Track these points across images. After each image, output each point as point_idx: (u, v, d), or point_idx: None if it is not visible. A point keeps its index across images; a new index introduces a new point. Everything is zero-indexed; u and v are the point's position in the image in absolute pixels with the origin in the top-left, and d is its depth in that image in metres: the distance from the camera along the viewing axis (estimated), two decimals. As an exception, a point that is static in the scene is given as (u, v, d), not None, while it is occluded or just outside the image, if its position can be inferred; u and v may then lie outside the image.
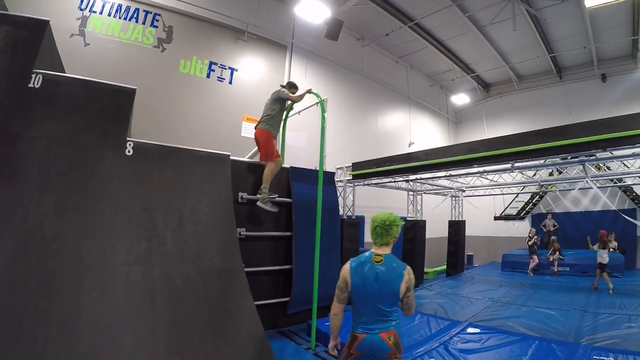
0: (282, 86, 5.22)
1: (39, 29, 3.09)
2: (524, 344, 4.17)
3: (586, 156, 5.20)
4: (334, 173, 6.04)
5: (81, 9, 6.35)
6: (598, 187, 9.38)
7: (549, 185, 10.54)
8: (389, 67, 12.06)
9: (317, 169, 6.19)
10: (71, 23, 6.26)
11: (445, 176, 6.94)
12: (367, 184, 7.73)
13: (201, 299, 2.83)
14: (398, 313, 2.40)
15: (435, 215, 11.43)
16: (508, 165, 5.41)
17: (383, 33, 10.32)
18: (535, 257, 10.08)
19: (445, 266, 11.15)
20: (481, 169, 5.98)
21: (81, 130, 3.05)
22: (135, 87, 3.50)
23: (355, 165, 7.07)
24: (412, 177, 6.75)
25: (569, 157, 5.49)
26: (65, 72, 4.01)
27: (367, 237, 9.53)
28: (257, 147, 5.20)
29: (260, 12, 8.31)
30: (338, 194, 7.47)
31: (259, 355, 2.80)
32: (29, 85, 2.89)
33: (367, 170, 6.57)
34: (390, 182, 7.71)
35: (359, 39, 10.80)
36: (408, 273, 2.35)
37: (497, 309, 6.38)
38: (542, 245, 11.63)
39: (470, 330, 4.83)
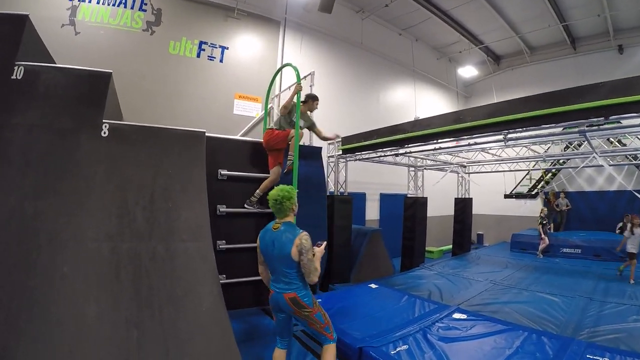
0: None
1: (19, 24, 3.25)
2: (511, 335, 3.98)
3: (587, 126, 4.77)
4: (321, 148, 6.01)
5: (70, -1, 6.60)
6: (614, 165, 9.07)
7: (553, 162, 10.27)
8: (392, 39, 11.86)
9: (304, 144, 6.27)
10: (62, 13, 6.54)
11: (435, 149, 6.70)
12: (359, 159, 7.66)
13: (166, 273, 2.98)
14: (303, 278, 2.80)
15: (442, 192, 11.39)
16: (500, 137, 5.16)
17: (382, 4, 10.12)
18: (545, 237, 9.84)
19: (451, 245, 11.16)
20: (472, 140, 5.77)
21: (60, 116, 3.21)
22: (111, 71, 3.62)
23: (345, 140, 6.97)
24: (401, 150, 6.63)
25: (573, 127, 4.98)
26: (53, 61, 4.22)
27: (369, 214, 9.62)
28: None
29: (250, -12, 8.32)
30: (330, 169, 7.57)
31: (217, 330, 2.98)
32: (12, 77, 3.08)
33: (355, 144, 6.49)
34: (381, 156, 7.58)
35: (358, 12, 10.64)
36: (299, 238, 2.74)
37: (496, 293, 6.23)
38: (554, 225, 11.49)
39: (456, 315, 4.66)
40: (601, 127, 5.29)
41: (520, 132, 4.94)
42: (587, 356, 3.37)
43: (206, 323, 2.96)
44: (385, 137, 5.86)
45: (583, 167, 7.95)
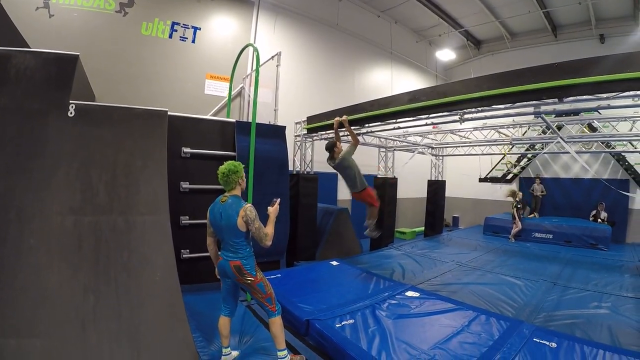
0: (332, 150, 5.52)
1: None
2: (459, 314, 4.07)
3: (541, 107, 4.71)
4: (285, 127, 6.35)
5: (45, -18, 6.73)
6: (591, 152, 9.41)
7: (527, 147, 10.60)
8: (370, 21, 12.06)
9: (270, 123, 6.54)
10: (36, -4, 6.67)
11: (394, 129, 6.93)
12: (323, 139, 7.70)
13: (124, 244, 3.33)
14: (249, 248, 3.12)
15: (417, 174, 11.87)
16: (457, 117, 5.21)
17: (358, -16, 10.31)
18: (518, 222, 10.13)
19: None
20: (429, 120, 5.86)
21: (29, 98, 3.50)
22: (78, 53, 3.92)
23: (310, 119, 7.06)
24: (362, 130, 6.79)
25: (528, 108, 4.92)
26: (26, 44, 4.47)
27: (341, 195, 9.89)
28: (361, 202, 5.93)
29: (223, -32, 8.45)
30: (297, 148, 7.90)
31: (167, 298, 3.34)
32: (-15, 62, 3.36)
33: (318, 124, 6.55)
34: (345, 136, 7.83)
35: (335, -8, 10.82)
36: (243, 209, 2.99)
37: (459, 274, 6.37)
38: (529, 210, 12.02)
39: (409, 293, 4.78)
40: (557, 109, 5.18)
41: (476, 112, 5.07)
42: (534, 339, 3.42)
43: (158, 292, 3.33)
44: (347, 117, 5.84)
45: (545, 153, 8.32)
